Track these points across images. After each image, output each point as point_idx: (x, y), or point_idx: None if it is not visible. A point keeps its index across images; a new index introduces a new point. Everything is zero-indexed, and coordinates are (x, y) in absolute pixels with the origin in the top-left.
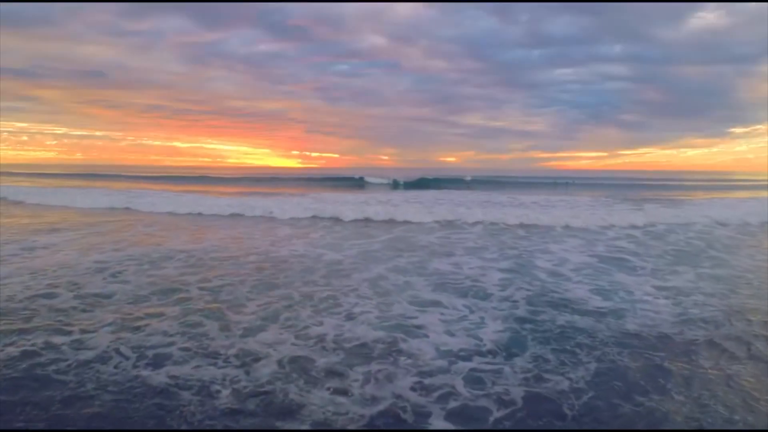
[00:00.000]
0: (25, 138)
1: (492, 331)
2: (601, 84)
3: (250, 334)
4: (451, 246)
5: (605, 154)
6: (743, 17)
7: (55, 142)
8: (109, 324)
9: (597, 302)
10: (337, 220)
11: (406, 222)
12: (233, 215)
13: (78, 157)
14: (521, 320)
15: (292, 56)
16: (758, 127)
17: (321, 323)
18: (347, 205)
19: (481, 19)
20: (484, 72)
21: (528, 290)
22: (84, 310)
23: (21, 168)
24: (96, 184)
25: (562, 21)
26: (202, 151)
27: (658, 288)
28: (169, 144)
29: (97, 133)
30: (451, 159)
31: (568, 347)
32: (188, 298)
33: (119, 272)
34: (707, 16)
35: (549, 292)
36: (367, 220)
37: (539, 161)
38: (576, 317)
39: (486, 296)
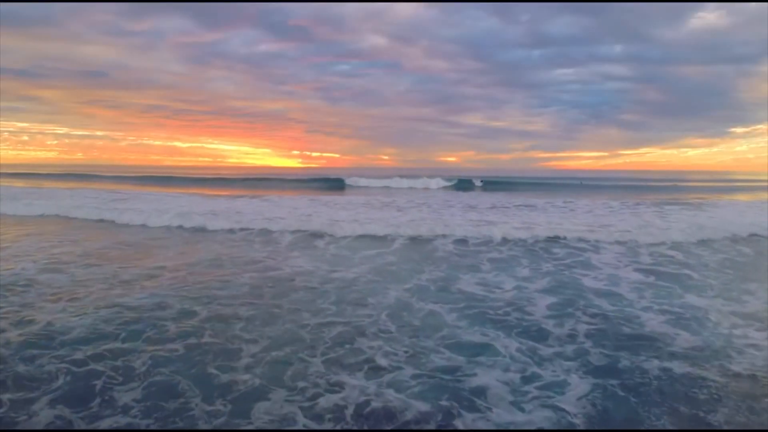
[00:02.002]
0: (25, 138)
1: (575, 396)
2: (602, 84)
3: (243, 408)
4: (472, 257)
5: (606, 154)
6: (743, 17)
7: (55, 142)
8: (55, 390)
9: (683, 338)
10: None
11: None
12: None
13: (79, 156)
14: (603, 372)
15: (293, 56)
16: (758, 127)
17: (338, 385)
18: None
19: (482, 20)
20: (484, 72)
21: (590, 323)
22: (24, 361)
23: (15, 168)
24: (66, 185)
25: (562, 21)
26: (202, 151)
27: (740, 315)
28: (169, 144)
29: (98, 133)
30: (452, 159)
31: (685, 409)
32: (161, 340)
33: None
34: (707, 17)
35: (617, 324)
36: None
37: (540, 161)
38: (667, 363)
39: (542, 334)
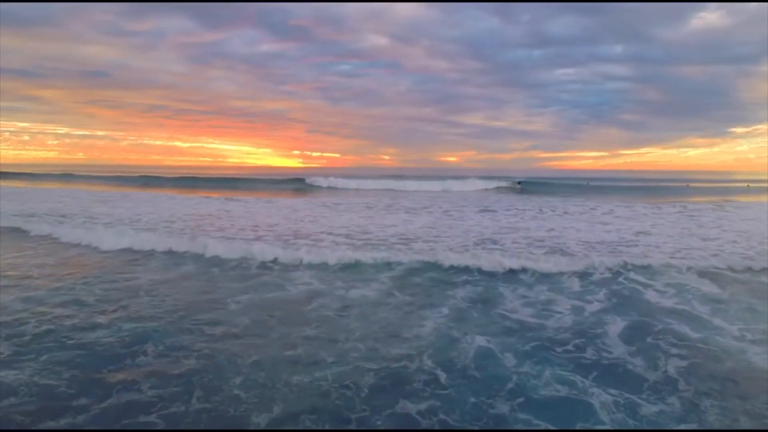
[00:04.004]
0: (26, 138)
1: None
2: (602, 84)
3: None
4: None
5: (606, 153)
6: (743, 17)
7: (56, 142)
8: None
9: None
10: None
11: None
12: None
13: (79, 156)
14: None
15: (294, 56)
16: (759, 126)
17: None
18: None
19: (482, 20)
20: (485, 72)
21: (681, 357)
22: None
23: (13, 168)
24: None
25: (563, 21)
26: (203, 150)
27: None
28: (170, 144)
29: (99, 133)
30: (452, 159)
31: None
32: (130, 409)
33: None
34: (708, 17)
35: (714, 360)
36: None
37: (540, 161)
38: None
39: (632, 379)
